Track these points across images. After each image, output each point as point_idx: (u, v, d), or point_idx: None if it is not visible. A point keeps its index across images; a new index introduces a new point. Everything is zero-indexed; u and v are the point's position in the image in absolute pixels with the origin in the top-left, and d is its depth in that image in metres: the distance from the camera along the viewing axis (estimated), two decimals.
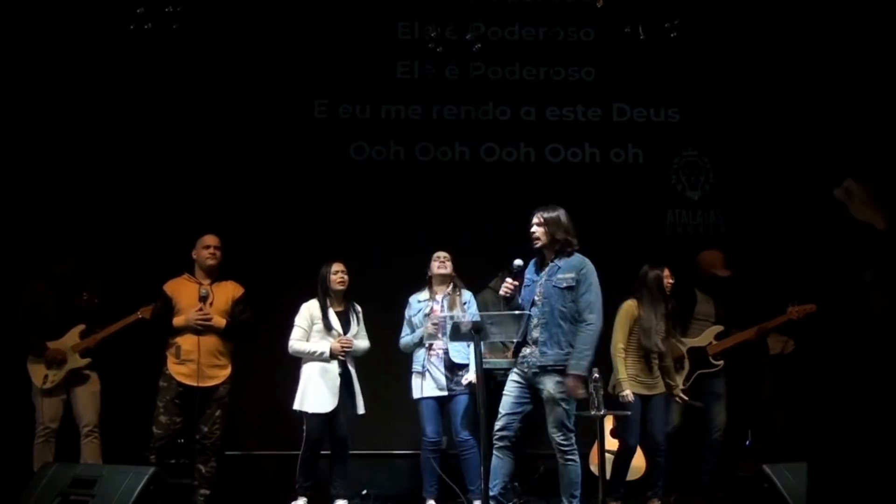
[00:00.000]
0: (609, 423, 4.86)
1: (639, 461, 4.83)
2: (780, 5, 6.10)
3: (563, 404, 3.77)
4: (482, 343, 3.75)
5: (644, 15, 5.52)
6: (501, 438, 3.83)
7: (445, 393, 4.55)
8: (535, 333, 3.83)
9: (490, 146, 6.18)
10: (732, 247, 5.86)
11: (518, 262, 3.87)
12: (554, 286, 3.85)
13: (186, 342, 4.46)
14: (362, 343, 4.75)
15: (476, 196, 6.01)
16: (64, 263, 4.81)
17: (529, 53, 6.31)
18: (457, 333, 3.94)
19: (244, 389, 5.27)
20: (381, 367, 5.15)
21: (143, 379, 4.76)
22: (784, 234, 5.84)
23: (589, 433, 4.76)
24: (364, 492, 5.14)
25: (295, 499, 4.60)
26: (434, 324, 4.37)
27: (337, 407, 4.54)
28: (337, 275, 4.69)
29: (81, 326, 4.76)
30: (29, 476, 4.29)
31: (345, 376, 4.60)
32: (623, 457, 4.56)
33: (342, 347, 4.57)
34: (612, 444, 4.83)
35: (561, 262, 3.89)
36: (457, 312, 4.58)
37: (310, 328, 4.66)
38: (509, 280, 3.84)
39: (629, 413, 4.43)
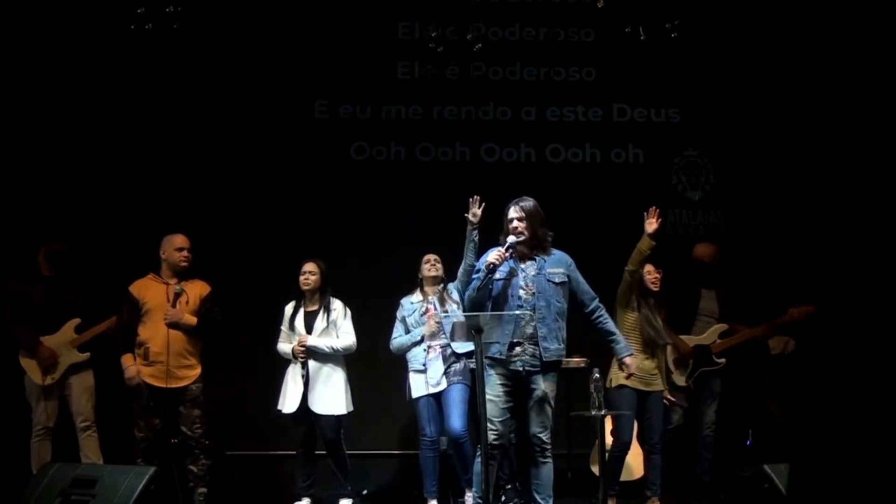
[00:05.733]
0: (609, 424, 4.85)
1: (637, 461, 4.83)
2: (780, 5, 6.10)
3: (552, 403, 3.76)
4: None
5: (644, 15, 5.51)
6: (496, 447, 3.74)
7: (444, 386, 4.55)
8: (529, 329, 3.69)
9: (490, 146, 6.18)
10: (732, 247, 5.87)
11: (512, 238, 3.76)
12: (548, 280, 3.76)
13: (155, 343, 4.37)
14: (337, 342, 4.62)
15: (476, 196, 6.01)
16: (52, 243, 4.78)
17: (530, 54, 6.32)
18: (457, 334, 3.94)
19: (245, 389, 5.29)
20: (382, 368, 5.15)
21: None
22: (784, 234, 5.86)
23: (590, 433, 4.77)
24: (364, 492, 5.14)
25: (298, 499, 4.62)
26: (437, 322, 4.38)
27: (306, 408, 4.52)
28: (304, 275, 4.67)
29: (77, 321, 4.73)
30: (26, 475, 4.29)
31: (306, 377, 4.57)
32: (616, 452, 4.55)
33: (299, 347, 4.56)
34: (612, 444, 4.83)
35: (546, 257, 3.82)
36: (450, 307, 4.59)
37: (288, 328, 4.70)
38: (501, 250, 3.70)
39: (628, 413, 4.43)
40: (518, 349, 3.73)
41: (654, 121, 6.25)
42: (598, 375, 4.13)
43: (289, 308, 4.75)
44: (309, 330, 4.62)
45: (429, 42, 5.64)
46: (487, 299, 3.80)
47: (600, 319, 3.90)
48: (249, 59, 6.06)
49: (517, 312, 3.67)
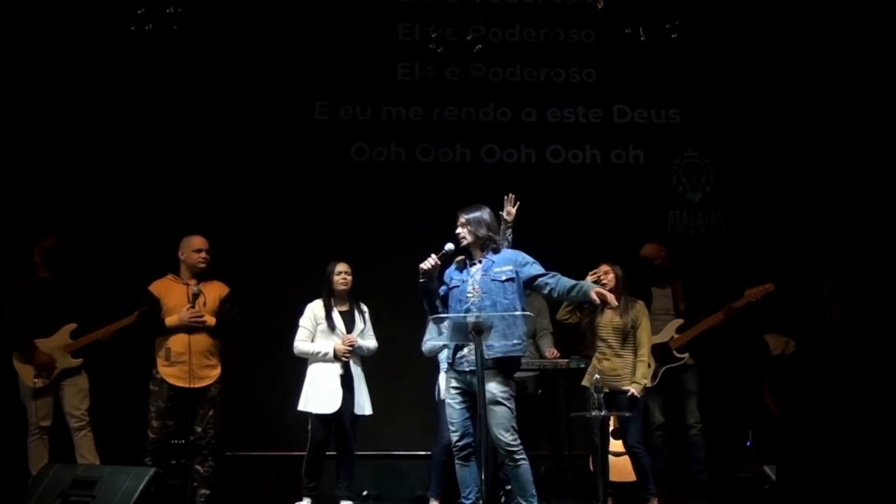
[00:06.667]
0: (612, 425, 4.84)
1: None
2: (780, 6, 6.11)
3: (507, 403, 3.68)
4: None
5: (645, 16, 5.53)
6: (464, 448, 3.75)
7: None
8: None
9: (491, 147, 6.18)
10: (732, 247, 5.88)
11: (450, 245, 3.79)
12: (493, 280, 3.77)
13: (177, 344, 4.42)
14: (370, 343, 4.73)
15: (477, 197, 5.98)
16: (45, 240, 4.74)
17: (530, 55, 6.32)
18: (458, 334, 3.93)
19: (246, 390, 5.29)
20: (385, 368, 5.14)
21: (137, 379, 4.69)
22: (783, 233, 5.86)
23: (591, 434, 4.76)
24: (364, 492, 5.14)
25: (300, 499, 4.60)
26: None
27: (341, 408, 4.54)
28: (340, 275, 4.69)
29: (72, 325, 4.69)
30: (24, 475, 4.30)
31: (346, 377, 4.59)
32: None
33: (346, 347, 4.56)
34: (613, 444, 4.82)
35: (494, 258, 3.83)
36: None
37: (314, 329, 4.66)
38: (434, 257, 3.73)
39: (629, 414, 4.42)
40: (465, 350, 3.74)
41: (654, 122, 6.25)
42: (597, 376, 4.13)
43: (318, 307, 4.70)
44: (349, 330, 4.65)
45: (429, 43, 5.66)
46: (438, 302, 3.85)
47: (562, 286, 3.73)
48: (250, 60, 6.06)
49: (462, 315, 3.64)
